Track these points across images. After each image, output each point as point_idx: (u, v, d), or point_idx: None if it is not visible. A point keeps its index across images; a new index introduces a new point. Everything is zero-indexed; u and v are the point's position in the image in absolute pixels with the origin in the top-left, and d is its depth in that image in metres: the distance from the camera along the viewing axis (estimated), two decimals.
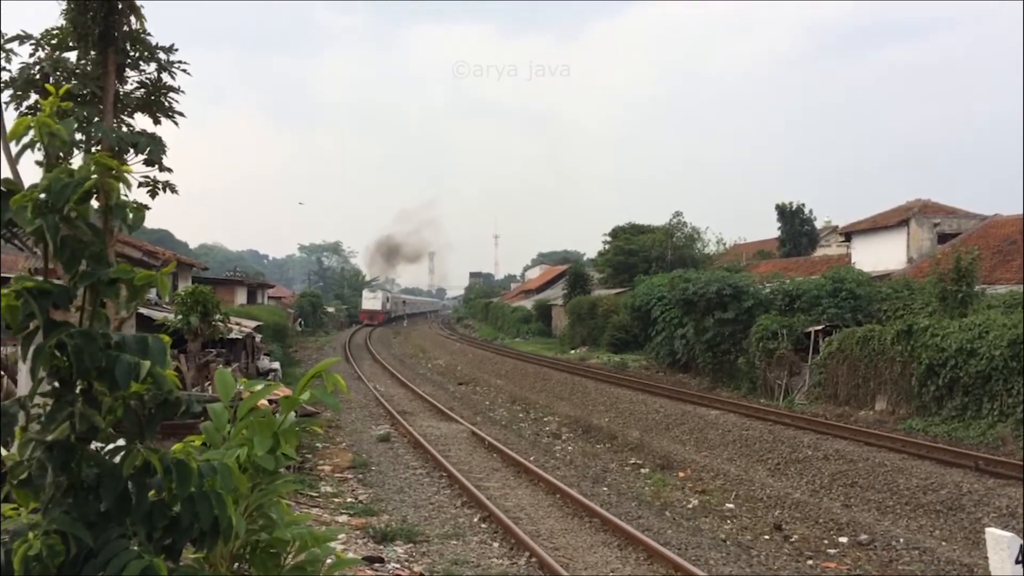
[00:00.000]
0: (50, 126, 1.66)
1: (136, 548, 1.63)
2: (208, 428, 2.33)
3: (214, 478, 1.80)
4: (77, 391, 1.68)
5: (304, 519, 2.74)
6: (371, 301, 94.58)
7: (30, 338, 1.66)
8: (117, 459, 1.71)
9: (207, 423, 2.33)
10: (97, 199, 1.88)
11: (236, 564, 2.48)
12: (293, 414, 2.35)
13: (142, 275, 1.73)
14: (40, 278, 1.71)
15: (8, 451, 1.86)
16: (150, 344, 1.72)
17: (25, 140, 1.68)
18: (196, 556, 2.13)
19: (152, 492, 1.75)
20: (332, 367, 2.49)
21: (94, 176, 1.62)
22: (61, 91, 1.79)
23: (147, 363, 1.69)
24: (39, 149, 7.69)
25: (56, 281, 1.68)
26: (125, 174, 1.66)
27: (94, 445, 1.82)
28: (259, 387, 2.52)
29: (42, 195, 1.59)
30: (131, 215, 1.69)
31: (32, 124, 1.66)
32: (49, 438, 1.63)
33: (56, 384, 1.68)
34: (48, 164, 1.64)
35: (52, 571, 1.52)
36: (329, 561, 2.70)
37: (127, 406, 1.73)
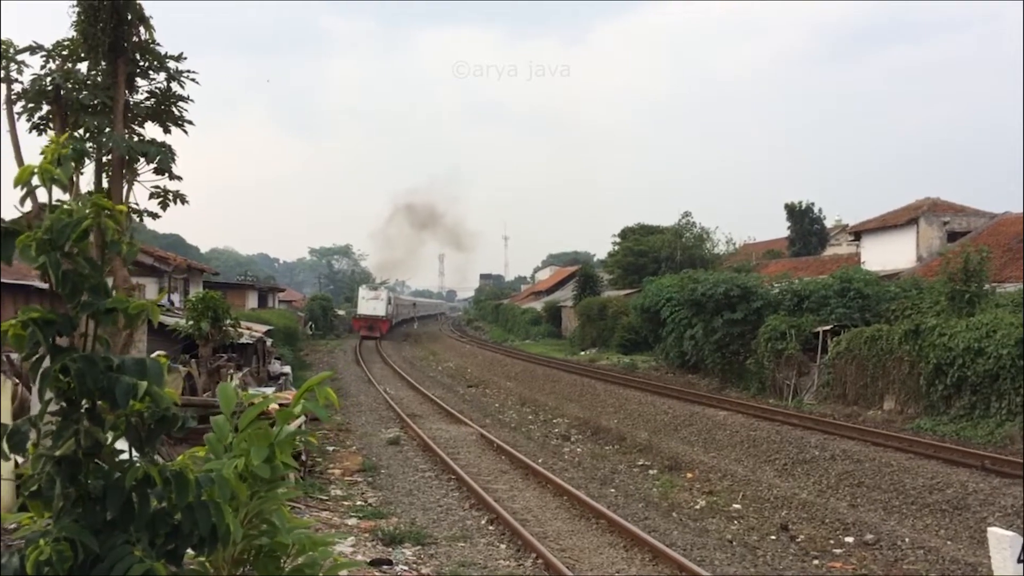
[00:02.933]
0: (51, 172, 1.81)
1: (139, 554, 1.76)
2: (211, 439, 2.46)
3: (212, 488, 1.93)
4: (82, 410, 1.81)
5: (305, 524, 2.87)
6: (371, 303, 69.76)
7: (38, 363, 1.80)
8: (116, 472, 1.85)
9: (210, 435, 2.46)
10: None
11: (239, 568, 2.61)
12: (289, 425, 2.48)
13: (136, 304, 1.87)
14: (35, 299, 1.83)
15: (18, 464, 1.98)
16: (148, 366, 1.86)
17: (34, 182, 1.82)
18: (199, 560, 2.26)
19: (154, 501, 1.88)
20: (326, 380, 2.62)
21: (91, 217, 1.75)
22: (62, 138, 1.93)
23: (144, 384, 1.82)
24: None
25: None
26: (119, 212, 1.80)
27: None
28: (258, 400, 2.66)
29: (45, 235, 1.73)
30: (125, 249, 1.82)
31: (35, 171, 1.80)
32: (57, 453, 1.77)
33: (63, 404, 1.81)
34: (50, 206, 1.78)
35: (62, 575, 1.66)
36: (328, 563, 2.83)
37: (128, 423, 1.87)
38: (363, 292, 72.55)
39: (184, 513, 1.86)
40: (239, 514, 2.28)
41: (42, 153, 1.83)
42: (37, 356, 1.79)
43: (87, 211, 1.76)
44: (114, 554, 1.72)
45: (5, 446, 1.75)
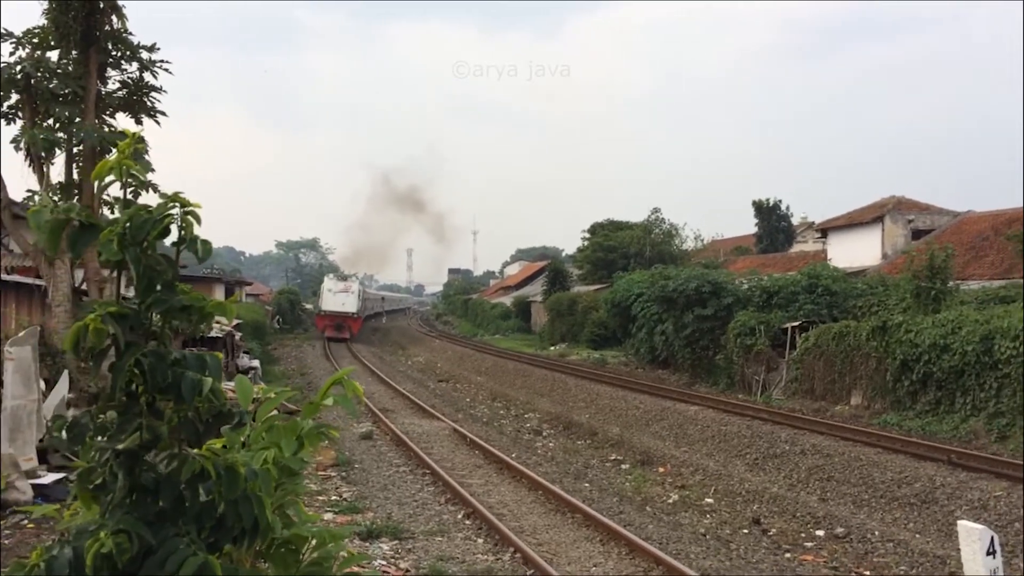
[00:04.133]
0: (130, 166, 1.81)
1: (188, 546, 1.78)
2: (228, 432, 2.46)
3: (256, 481, 1.95)
4: (143, 403, 1.82)
5: (317, 517, 2.88)
6: (338, 297, 58.09)
7: (101, 356, 1.80)
8: (174, 464, 1.87)
9: (227, 427, 2.47)
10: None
11: (256, 560, 2.62)
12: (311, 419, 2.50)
13: (213, 303, 1.88)
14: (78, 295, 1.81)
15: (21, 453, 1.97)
16: (208, 361, 1.88)
17: (109, 179, 1.83)
18: (226, 552, 2.27)
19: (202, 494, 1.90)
20: (350, 375, 2.64)
21: (172, 213, 1.77)
22: (136, 133, 1.94)
23: (209, 380, 1.84)
24: (21, 148, 7.99)
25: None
26: (195, 209, 1.81)
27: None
28: (274, 393, 2.68)
29: (122, 230, 1.73)
30: (200, 247, 1.84)
31: (113, 166, 1.81)
32: (120, 447, 1.78)
33: (123, 398, 1.82)
34: (126, 201, 1.79)
35: (119, 568, 1.67)
36: (340, 557, 2.86)
37: (184, 418, 1.88)
38: (329, 283, 59.85)
39: (228, 506, 1.87)
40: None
41: (119, 149, 1.84)
42: (103, 350, 1.79)
43: (167, 207, 1.77)
44: (167, 546, 1.74)
45: (65, 436, 1.76)
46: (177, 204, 1.77)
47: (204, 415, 1.91)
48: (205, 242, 1.83)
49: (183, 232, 1.79)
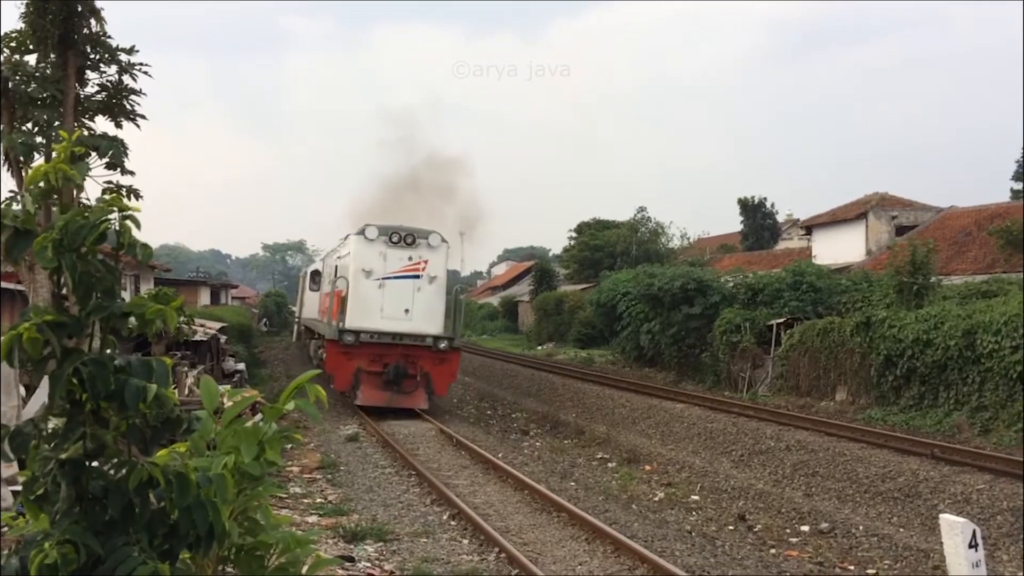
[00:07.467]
0: (65, 171, 1.79)
1: (139, 554, 1.76)
2: (193, 436, 2.45)
3: (210, 488, 1.94)
4: (87, 411, 1.80)
5: (285, 521, 2.87)
6: (395, 292, 22.34)
7: (42, 364, 1.78)
8: (122, 472, 1.85)
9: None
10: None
11: (220, 565, 2.61)
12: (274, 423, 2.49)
13: (153, 309, 1.86)
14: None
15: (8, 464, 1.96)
16: (155, 367, 1.86)
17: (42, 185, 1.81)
18: (185, 557, 2.25)
19: (153, 501, 1.88)
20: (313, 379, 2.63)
21: (109, 218, 1.75)
22: (74, 135, 1.91)
23: (153, 387, 1.82)
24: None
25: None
26: (134, 213, 1.79)
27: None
28: (238, 397, 2.67)
29: (59, 236, 1.72)
30: (140, 252, 1.82)
31: (48, 171, 1.79)
32: (63, 456, 1.76)
33: (67, 406, 1.80)
34: (62, 205, 1.77)
35: None
36: (310, 561, 2.84)
37: (132, 425, 1.86)
38: (365, 250, 22.88)
39: (182, 513, 1.86)
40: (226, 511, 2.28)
41: (55, 151, 1.81)
42: (44, 358, 1.77)
43: (105, 212, 1.75)
44: (116, 555, 1.72)
45: (7, 447, 1.74)
46: (115, 209, 1.75)
47: (152, 422, 1.89)
48: (145, 246, 1.81)
49: (121, 237, 1.77)
